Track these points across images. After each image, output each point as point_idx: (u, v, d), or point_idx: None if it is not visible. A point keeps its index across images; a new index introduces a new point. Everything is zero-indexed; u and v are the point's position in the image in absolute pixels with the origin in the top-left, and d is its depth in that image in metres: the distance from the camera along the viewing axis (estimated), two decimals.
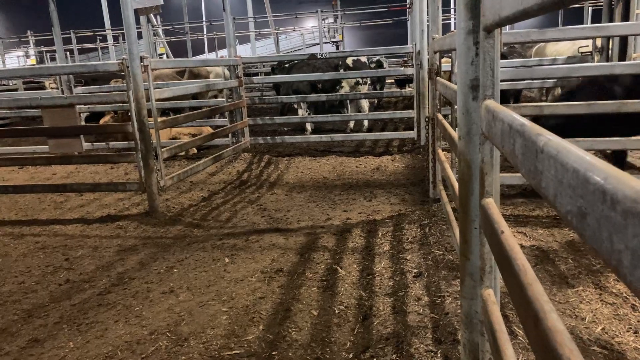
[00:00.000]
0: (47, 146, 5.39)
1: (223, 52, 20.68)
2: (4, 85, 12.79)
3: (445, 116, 4.87)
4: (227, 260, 3.83)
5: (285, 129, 10.07)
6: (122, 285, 3.51)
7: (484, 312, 1.57)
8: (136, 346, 2.71)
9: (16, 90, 11.89)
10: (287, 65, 9.32)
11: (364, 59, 9.25)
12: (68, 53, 18.28)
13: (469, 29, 1.64)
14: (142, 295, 3.34)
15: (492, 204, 1.48)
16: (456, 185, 2.93)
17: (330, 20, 24.69)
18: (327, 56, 8.42)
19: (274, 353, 2.55)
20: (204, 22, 25.03)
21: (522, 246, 3.56)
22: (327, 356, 2.50)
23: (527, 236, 3.83)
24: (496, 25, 1.40)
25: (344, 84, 9.04)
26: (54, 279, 3.71)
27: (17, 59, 26.12)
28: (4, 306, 3.31)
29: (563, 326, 0.80)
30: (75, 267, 3.92)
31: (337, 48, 22.11)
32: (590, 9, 11.30)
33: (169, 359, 2.57)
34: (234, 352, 2.59)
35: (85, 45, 22.14)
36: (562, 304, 2.80)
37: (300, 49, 25.11)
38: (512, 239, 1.19)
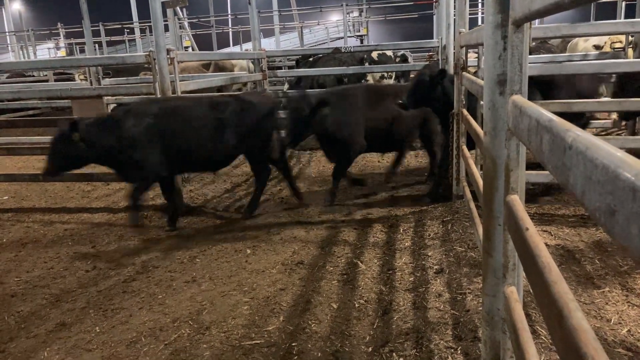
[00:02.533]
0: None
1: (248, 46, 20.77)
2: (35, 76, 13.13)
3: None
4: (248, 251, 3.88)
5: None
6: (146, 274, 3.59)
7: (507, 309, 1.56)
8: (159, 333, 2.77)
9: (47, 81, 12.19)
10: (311, 58, 9.31)
11: (389, 53, 9.18)
12: (97, 45, 18.62)
13: (497, 22, 1.61)
14: (166, 283, 3.41)
15: (517, 201, 1.47)
16: (480, 181, 2.90)
17: (355, 14, 24.51)
18: (352, 50, 8.37)
19: (293, 344, 2.57)
20: (229, 16, 25.17)
21: (547, 245, 3.49)
22: (347, 349, 2.51)
23: (552, 235, 3.76)
24: (525, 19, 1.37)
25: (368, 77, 8.98)
26: (81, 265, 3.82)
27: (47, 51, 26.72)
28: (33, 290, 3.42)
29: (588, 325, 0.79)
30: (101, 254, 4.02)
31: (362, 42, 21.97)
32: (624, 3, 10.95)
33: (191, 346, 2.62)
34: (254, 341, 2.62)
35: (113, 38, 22.53)
36: (588, 304, 2.74)
37: (324, 43, 25.06)
38: (537, 236, 1.17)
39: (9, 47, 26.62)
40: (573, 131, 0.84)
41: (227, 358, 2.50)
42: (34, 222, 4.96)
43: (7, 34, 27.39)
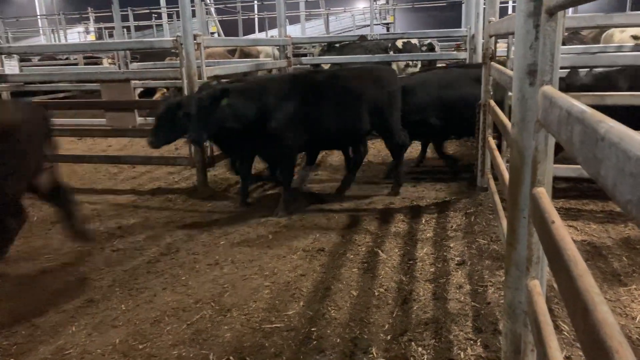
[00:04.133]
0: (104, 119, 5.63)
1: (273, 32, 20.73)
2: (66, 59, 13.38)
3: None
4: (270, 236, 3.92)
5: None
6: (170, 255, 3.66)
7: (529, 302, 1.54)
8: (182, 313, 2.83)
9: (77, 64, 12.41)
10: (337, 45, 9.25)
11: (414, 41, 9.04)
12: (125, 30, 18.87)
13: (529, 11, 1.57)
14: (189, 265, 3.47)
15: (544, 193, 1.44)
16: (506, 173, 2.86)
17: (382, 1, 24.20)
18: (378, 38, 8.27)
19: (313, 329, 2.60)
20: (256, 2, 25.15)
21: (572, 240, 3.44)
22: (365, 336, 2.53)
23: (578, 230, 3.70)
24: (559, 7, 1.34)
25: (393, 66, 8.87)
26: (108, 245, 3.92)
27: (77, 35, 27.17)
28: (63, 267, 3.53)
29: (613, 319, 0.78)
30: (127, 235, 4.11)
31: (388, 30, 21.70)
32: None
33: (212, 327, 2.67)
34: (274, 325, 2.66)
35: (141, 23, 22.76)
36: (613, 301, 2.70)
37: (350, 30, 24.81)
38: (564, 229, 1.16)
39: (41, 30, 27.17)
40: (606, 122, 0.82)
41: (247, 340, 2.54)
42: None
43: (38, 17, 27.94)
